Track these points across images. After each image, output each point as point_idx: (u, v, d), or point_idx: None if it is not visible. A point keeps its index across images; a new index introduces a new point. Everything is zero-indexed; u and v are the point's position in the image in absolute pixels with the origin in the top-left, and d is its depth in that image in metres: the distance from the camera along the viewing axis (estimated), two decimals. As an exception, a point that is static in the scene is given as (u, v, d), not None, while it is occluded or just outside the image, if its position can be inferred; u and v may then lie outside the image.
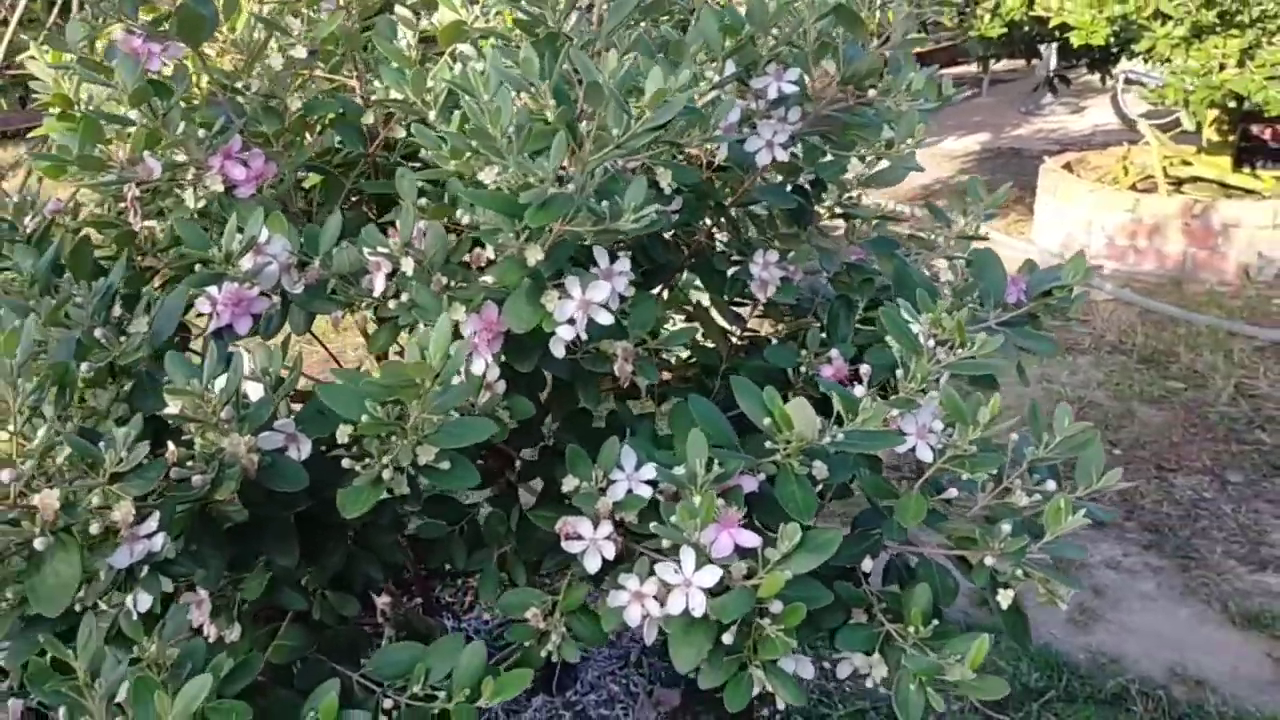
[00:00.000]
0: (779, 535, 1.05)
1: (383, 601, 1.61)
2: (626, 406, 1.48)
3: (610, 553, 1.15)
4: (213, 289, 1.18)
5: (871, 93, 1.36)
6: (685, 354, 1.67)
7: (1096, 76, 6.50)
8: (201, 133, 1.22)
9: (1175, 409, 3.88)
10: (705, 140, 1.19)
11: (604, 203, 1.04)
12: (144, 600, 0.97)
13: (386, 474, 1.02)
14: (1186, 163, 5.63)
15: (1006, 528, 1.15)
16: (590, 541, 1.16)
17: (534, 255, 1.06)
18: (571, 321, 1.10)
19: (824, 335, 1.54)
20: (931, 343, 1.25)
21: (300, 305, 1.22)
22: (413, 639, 1.68)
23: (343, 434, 1.05)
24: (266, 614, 1.33)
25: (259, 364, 1.06)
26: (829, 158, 1.52)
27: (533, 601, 1.24)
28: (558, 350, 1.14)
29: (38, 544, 0.86)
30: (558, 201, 1.00)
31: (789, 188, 1.54)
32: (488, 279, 1.09)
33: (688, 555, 1.05)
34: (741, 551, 1.06)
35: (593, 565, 1.16)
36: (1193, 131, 5.42)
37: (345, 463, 1.03)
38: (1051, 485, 1.23)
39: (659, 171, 1.17)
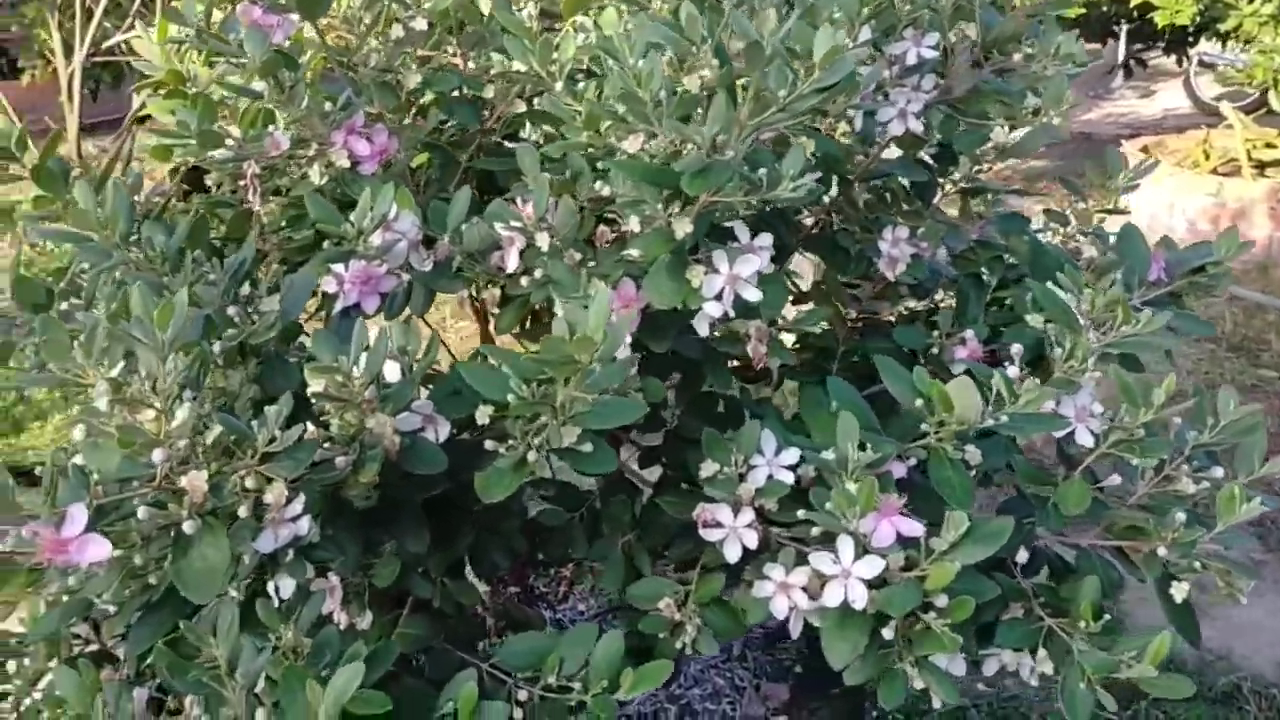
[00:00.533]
0: (945, 523, 0.99)
1: (481, 591, 1.57)
2: (746, 391, 1.42)
3: (752, 541, 1.10)
4: (339, 267, 1.14)
5: (1016, 57, 1.29)
6: (790, 337, 1.61)
7: (1171, 59, 6.34)
8: (328, 105, 1.18)
9: (1269, 398, 3.75)
10: (848, 107, 1.13)
11: (760, 171, 0.98)
12: (287, 586, 0.93)
13: (531, 456, 0.97)
14: (1270, 145, 5.46)
15: (1181, 516, 1.08)
16: (730, 530, 1.11)
17: (683, 227, 1.00)
18: (718, 297, 1.05)
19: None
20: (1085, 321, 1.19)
21: (425, 284, 1.18)
22: (512, 628, 1.65)
23: (483, 415, 1.01)
24: (384, 601, 1.29)
25: (396, 343, 1.02)
26: (961, 127, 1.45)
27: (665, 592, 1.19)
28: (702, 328, 1.09)
29: (187, 527, 0.82)
30: (715, 169, 0.95)
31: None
32: (633, 252, 1.04)
33: (846, 544, 0.99)
34: (902, 541, 1.00)
35: (733, 554, 1.11)
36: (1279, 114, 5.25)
37: (488, 444, 0.99)
38: (1219, 472, 1.16)
39: (801, 142, 1.11)
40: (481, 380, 0.97)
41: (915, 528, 1.00)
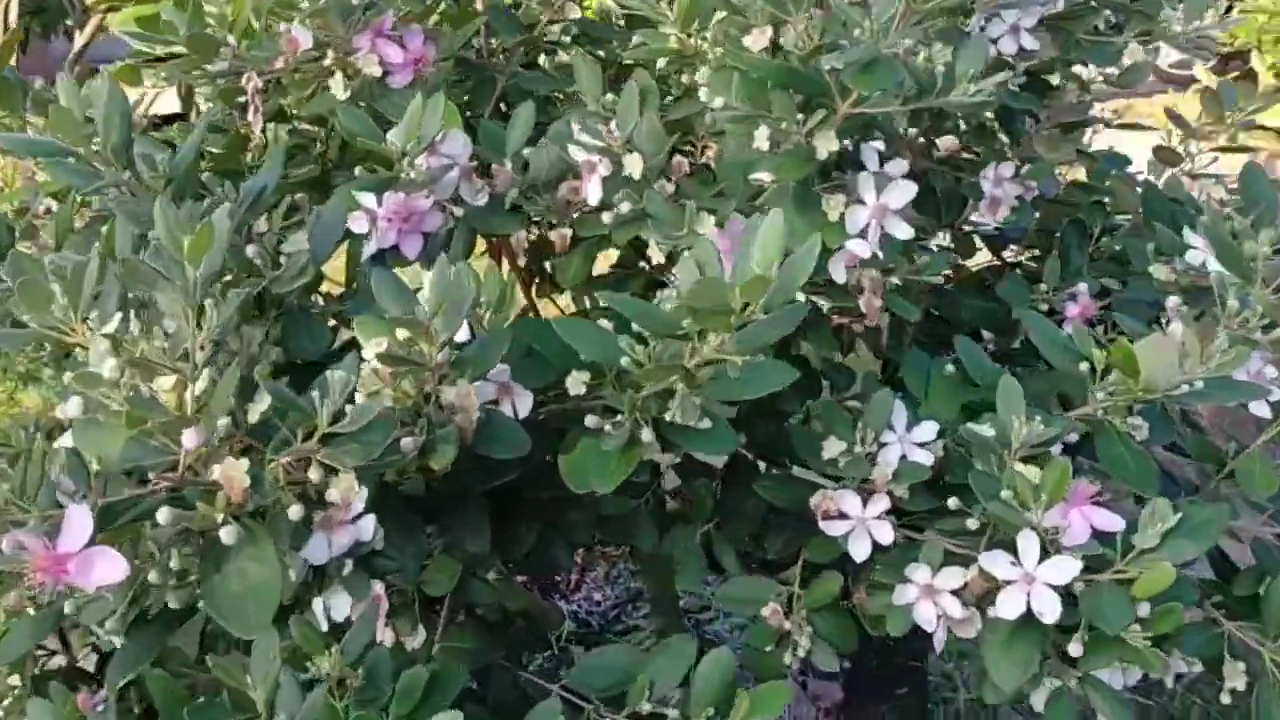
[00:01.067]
0: (1148, 514, 0.81)
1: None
2: (830, 357, 1.22)
3: (886, 535, 0.91)
4: (369, 200, 0.92)
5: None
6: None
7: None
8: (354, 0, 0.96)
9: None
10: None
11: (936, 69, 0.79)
12: (340, 605, 0.72)
13: (646, 435, 0.77)
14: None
15: (1398, 500, 0.91)
16: (858, 521, 0.92)
17: (826, 144, 0.80)
18: (863, 234, 0.85)
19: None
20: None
21: (474, 223, 0.97)
22: (528, 625, 1.44)
23: (576, 383, 0.80)
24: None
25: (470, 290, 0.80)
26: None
27: (768, 595, 1.00)
28: (838, 272, 0.89)
29: (225, 535, 0.60)
30: (883, 65, 0.75)
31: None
32: (762, 175, 0.83)
33: (1030, 542, 0.80)
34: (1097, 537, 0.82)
35: (861, 551, 0.92)
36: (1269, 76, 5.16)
37: (590, 421, 0.78)
38: None
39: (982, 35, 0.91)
40: (582, 337, 0.77)
41: (1113, 520, 0.81)
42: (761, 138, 0.81)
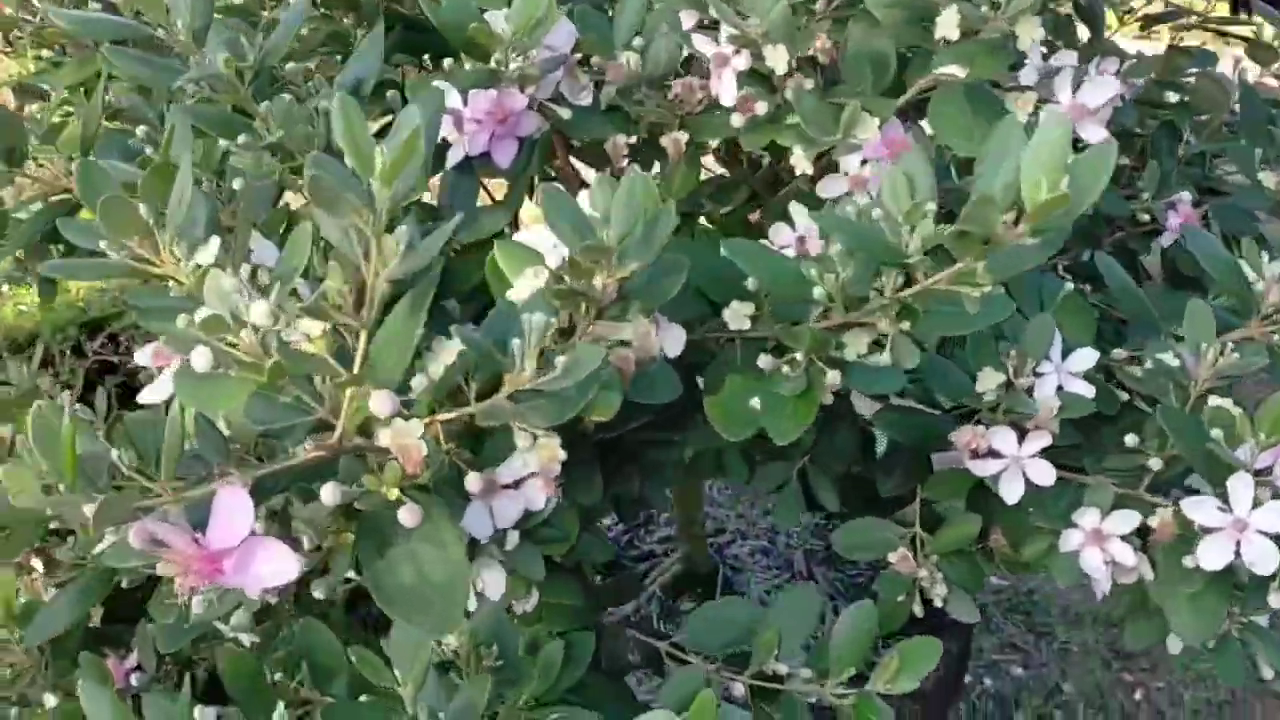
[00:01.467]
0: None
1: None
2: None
3: (1046, 476, 0.82)
4: (454, 99, 0.79)
5: None
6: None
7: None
8: None
9: None
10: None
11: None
12: (495, 582, 0.61)
13: (832, 378, 0.66)
14: (1183, 10, 5.36)
15: None
16: (1012, 460, 0.82)
17: (1030, 31, 0.69)
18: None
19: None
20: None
21: (573, 127, 0.84)
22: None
23: (738, 316, 0.69)
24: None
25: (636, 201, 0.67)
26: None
27: (894, 539, 0.91)
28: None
29: (405, 516, 0.48)
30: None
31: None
32: (950, 70, 0.72)
33: (1243, 485, 0.72)
34: None
35: (1013, 493, 0.83)
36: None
37: (763, 361, 0.67)
38: None
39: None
40: (757, 261, 0.65)
41: (1332, 459, 0.73)
42: (948, 24, 0.70)
